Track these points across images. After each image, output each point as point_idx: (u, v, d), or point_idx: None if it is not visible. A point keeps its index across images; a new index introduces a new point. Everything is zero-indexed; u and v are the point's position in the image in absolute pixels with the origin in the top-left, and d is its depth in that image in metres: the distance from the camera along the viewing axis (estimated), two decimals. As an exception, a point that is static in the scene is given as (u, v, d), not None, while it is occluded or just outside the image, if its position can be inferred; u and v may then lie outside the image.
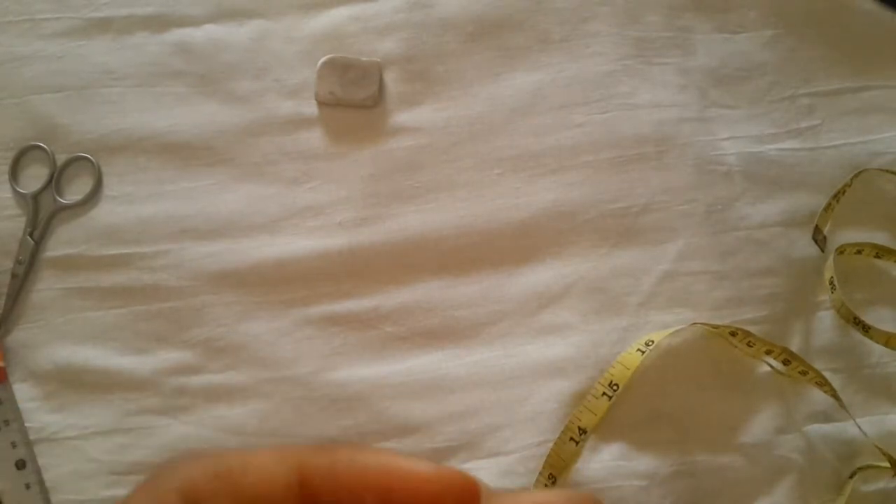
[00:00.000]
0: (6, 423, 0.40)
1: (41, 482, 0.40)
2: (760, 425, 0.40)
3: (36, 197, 0.43)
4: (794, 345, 0.42)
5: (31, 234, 0.42)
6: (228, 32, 0.44)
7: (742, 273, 0.42)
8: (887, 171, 0.44)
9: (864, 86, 0.45)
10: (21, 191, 0.43)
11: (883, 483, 0.40)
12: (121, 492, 0.40)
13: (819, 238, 0.43)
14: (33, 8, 0.44)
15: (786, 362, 0.40)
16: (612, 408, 0.39)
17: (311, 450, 0.15)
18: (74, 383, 0.41)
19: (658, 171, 0.43)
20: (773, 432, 0.40)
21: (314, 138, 0.43)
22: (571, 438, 0.39)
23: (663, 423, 0.40)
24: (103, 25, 0.44)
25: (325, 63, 0.44)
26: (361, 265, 0.42)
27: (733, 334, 0.40)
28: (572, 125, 0.43)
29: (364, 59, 0.44)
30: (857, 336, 0.41)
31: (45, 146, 0.43)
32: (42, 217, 0.42)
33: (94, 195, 0.43)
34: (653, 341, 0.40)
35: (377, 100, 0.44)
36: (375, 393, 0.41)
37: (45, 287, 0.42)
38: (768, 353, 0.41)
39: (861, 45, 0.46)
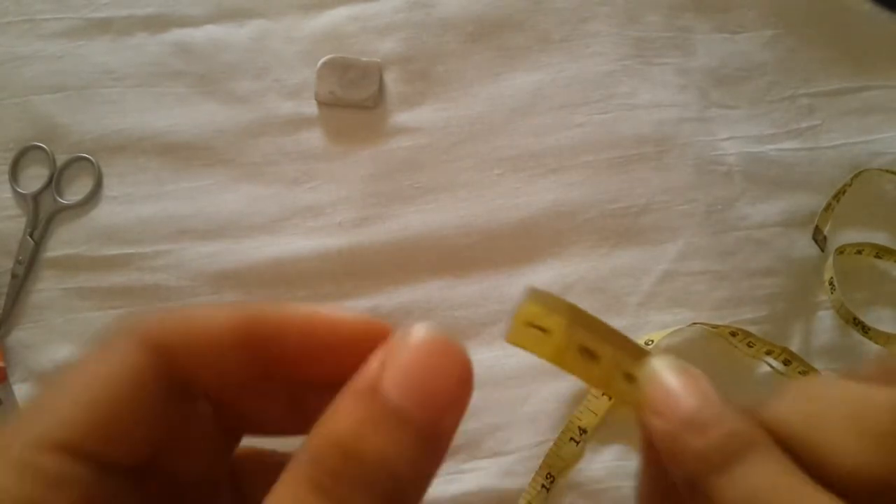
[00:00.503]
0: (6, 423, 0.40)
1: (41, 482, 0.40)
2: (760, 425, 0.40)
3: (36, 197, 0.43)
4: (794, 345, 0.42)
5: (31, 235, 0.42)
6: (228, 33, 0.44)
7: (742, 273, 0.42)
8: (887, 171, 0.44)
9: (864, 86, 0.45)
10: (21, 191, 0.43)
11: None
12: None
13: (819, 238, 0.43)
14: (33, 8, 0.45)
15: (786, 362, 0.40)
16: (613, 408, 0.39)
17: (252, 303, 0.17)
18: (74, 383, 0.41)
19: (658, 171, 0.43)
20: (773, 432, 0.40)
21: (314, 138, 0.43)
22: (572, 438, 0.39)
23: (663, 423, 0.40)
24: (103, 26, 0.44)
25: (325, 63, 0.44)
26: (361, 265, 0.42)
27: (733, 334, 0.40)
28: (572, 125, 0.43)
29: (364, 59, 0.44)
30: (857, 336, 0.41)
31: (45, 146, 0.43)
32: (42, 217, 0.42)
33: (94, 195, 0.43)
34: (652, 341, 0.40)
35: (377, 100, 0.44)
36: (375, 393, 0.41)
37: (46, 287, 0.42)
38: (768, 353, 0.41)
39: (861, 45, 0.46)
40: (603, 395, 0.39)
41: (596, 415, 0.39)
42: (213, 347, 0.16)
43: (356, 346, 0.16)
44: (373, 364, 0.15)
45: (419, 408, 0.15)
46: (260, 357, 0.17)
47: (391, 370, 0.15)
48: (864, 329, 0.41)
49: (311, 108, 0.44)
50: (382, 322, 0.17)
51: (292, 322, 0.17)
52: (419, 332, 0.15)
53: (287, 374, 0.17)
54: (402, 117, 0.44)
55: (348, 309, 0.17)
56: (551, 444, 0.39)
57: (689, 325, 0.41)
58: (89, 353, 0.16)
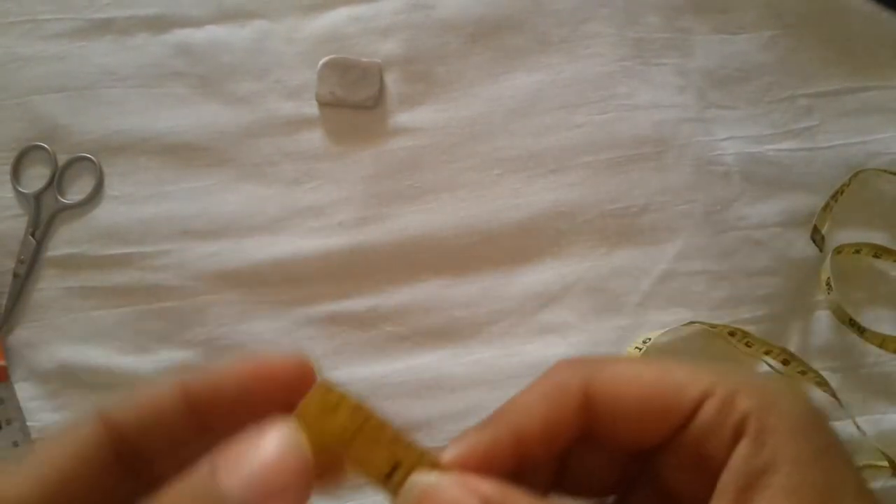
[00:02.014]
0: (8, 422, 0.40)
1: (43, 481, 0.40)
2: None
3: (38, 197, 0.43)
4: (793, 344, 0.42)
5: (32, 234, 0.42)
6: (229, 33, 0.44)
7: (740, 273, 0.42)
8: (885, 171, 0.44)
9: (862, 86, 0.45)
10: (23, 191, 0.43)
11: (881, 482, 0.40)
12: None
13: (817, 238, 0.43)
14: (35, 9, 0.45)
15: (785, 362, 0.41)
16: None
17: (191, 370, 0.20)
18: (76, 382, 0.41)
19: (657, 172, 0.43)
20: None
21: (315, 139, 0.44)
22: None
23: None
24: (105, 26, 0.44)
25: (325, 64, 0.44)
26: (361, 265, 0.42)
27: (732, 334, 0.41)
28: (572, 125, 0.44)
29: (364, 59, 0.44)
30: (855, 336, 0.42)
31: (46, 146, 0.43)
32: (44, 217, 0.43)
33: (95, 195, 0.43)
34: (649, 339, 0.40)
35: (377, 100, 0.44)
36: (375, 392, 0.41)
37: (47, 286, 0.42)
38: (767, 353, 0.41)
39: (860, 45, 0.46)
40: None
41: None
42: (156, 417, 0.19)
43: (283, 387, 0.19)
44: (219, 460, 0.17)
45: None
46: (201, 418, 0.19)
47: (235, 468, 0.17)
48: (860, 330, 0.41)
49: (311, 109, 0.44)
50: (304, 360, 0.19)
51: (224, 379, 0.19)
52: (269, 444, 0.17)
53: (226, 425, 0.18)
54: (402, 118, 0.44)
55: (272, 352, 0.19)
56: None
57: (688, 325, 0.41)
58: (47, 435, 0.18)
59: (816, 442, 0.19)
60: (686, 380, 0.20)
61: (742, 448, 0.18)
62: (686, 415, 0.19)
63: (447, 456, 0.20)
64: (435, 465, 0.19)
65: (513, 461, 0.20)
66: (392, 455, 0.19)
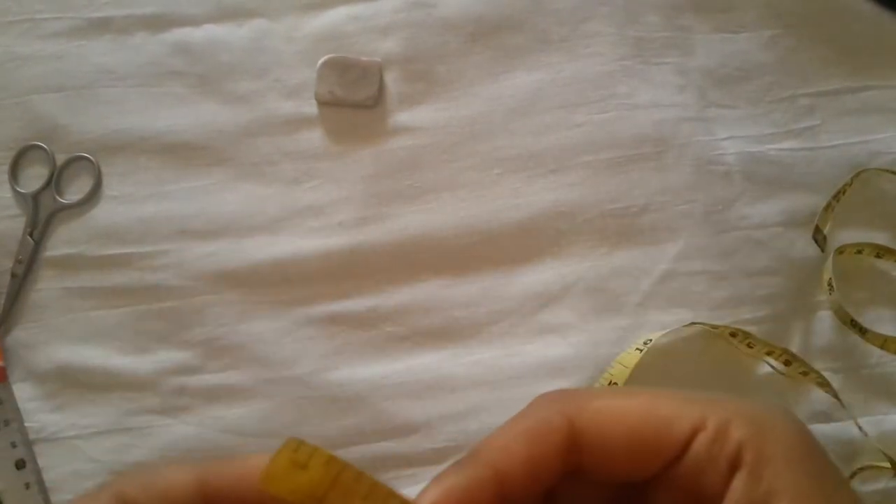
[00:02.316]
0: (6, 422, 0.40)
1: (41, 482, 0.40)
2: (760, 425, 0.40)
3: (36, 197, 0.43)
4: (794, 345, 0.42)
5: (31, 234, 0.42)
6: (228, 32, 0.44)
7: (741, 273, 0.42)
8: (887, 170, 0.44)
9: (863, 86, 0.45)
10: (21, 190, 0.43)
11: (883, 483, 0.40)
12: (121, 492, 0.40)
13: (819, 238, 0.43)
14: (33, 8, 0.44)
15: (787, 363, 0.41)
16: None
17: (218, 461, 0.20)
18: (74, 383, 0.41)
19: (657, 172, 0.43)
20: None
21: (314, 138, 0.43)
22: None
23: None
24: (103, 25, 0.44)
25: (325, 63, 0.44)
26: (361, 265, 0.42)
27: (733, 335, 0.41)
28: (572, 125, 0.44)
29: (364, 58, 0.44)
30: (857, 336, 0.41)
31: (44, 146, 0.43)
32: (42, 217, 0.42)
33: (93, 195, 0.43)
34: (650, 340, 0.40)
35: (377, 100, 0.44)
36: (375, 393, 0.41)
37: (45, 287, 0.42)
38: (769, 353, 0.41)
39: (861, 45, 0.46)
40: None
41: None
42: None
43: None
44: None
45: None
46: None
47: None
48: (862, 331, 0.41)
49: (311, 108, 0.44)
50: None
51: (243, 476, 0.19)
52: None
53: None
54: (402, 117, 0.44)
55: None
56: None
57: (689, 326, 0.41)
58: None
59: (813, 468, 0.18)
60: (675, 412, 0.19)
61: (739, 480, 0.18)
62: (678, 449, 0.19)
63: (426, 499, 0.19)
64: None
65: (495, 502, 0.19)
66: None
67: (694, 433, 0.19)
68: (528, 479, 0.19)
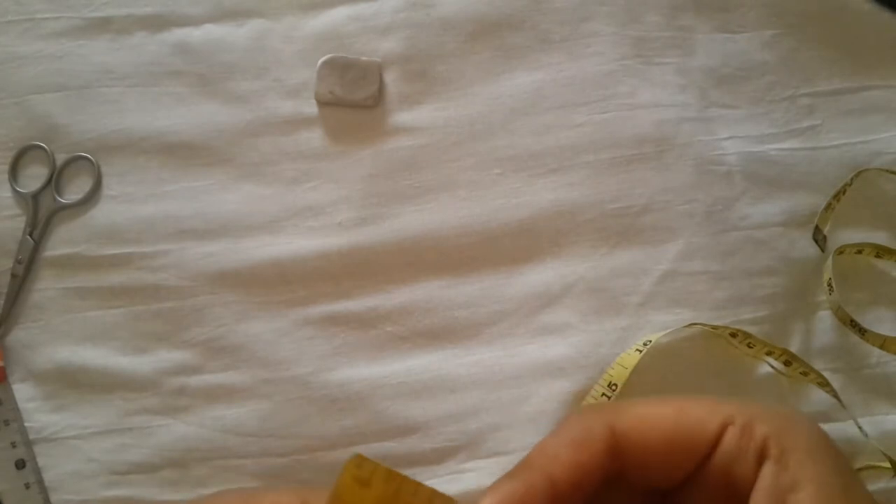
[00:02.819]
0: (6, 423, 0.40)
1: (41, 482, 0.40)
2: (760, 425, 0.40)
3: (35, 196, 0.43)
4: (794, 345, 0.42)
5: (30, 234, 0.42)
6: (228, 32, 0.44)
7: (742, 273, 0.42)
8: (887, 170, 0.44)
9: (864, 86, 0.45)
10: (21, 190, 0.43)
11: (883, 483, 0.40)
12: (120, 492, 0.40)
13: (819, 238, 0.43)
14: (33, 8, 0.44)
15: (787, 363, 0.40)
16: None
17: (314, 488, 0.21)
18: (74, 383, 0.41)
19: (658, 171, 0.43)
20: (773, 432, 0.40)
21: (314, 138, 0.43)
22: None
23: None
24: (103, 25, 0.44)
25: (324, 63, 0.44)
26: (361, 265, 0.42)
27: (733, 335, 0.40)
28: (572, 125, 0.43)
29: (364, 58, 0.44)
30: (857, 337, 0.41)
31: (44, 146, 0.43)
32: (42, 217, 0.42)
33: (93, 195, 0.43)
34: (650, 341, 0.40)
35: (377, 99, 0.44)
36: (375, 393, 0.41)
37: (45, 287, 0.42)
38: (769, 354, 0.41)
39: (861, 45, 0.45)
40: (602, 395, 0.39)
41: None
42: None
43: None
44: None
45: None
46: None
47: None
48: (861, 331, 0.41)
49: (310, 108, 0.44)
50: None
51: None
52: None
53: None
54: (402, 117, 0.44)
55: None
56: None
57: (689, 326, 0.41)
58: None
59: (832, 461, 0.20)
60: (705, 414, 0.21)
61: (767, 469, 0.20)
62: (709, 446, 0.21)
63: None
64: None
65: None
66: None
67: (723, 430, 0.20)
68: (575, 484, 0.21)
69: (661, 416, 0.21)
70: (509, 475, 0.21)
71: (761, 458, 0.20)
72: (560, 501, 0.21)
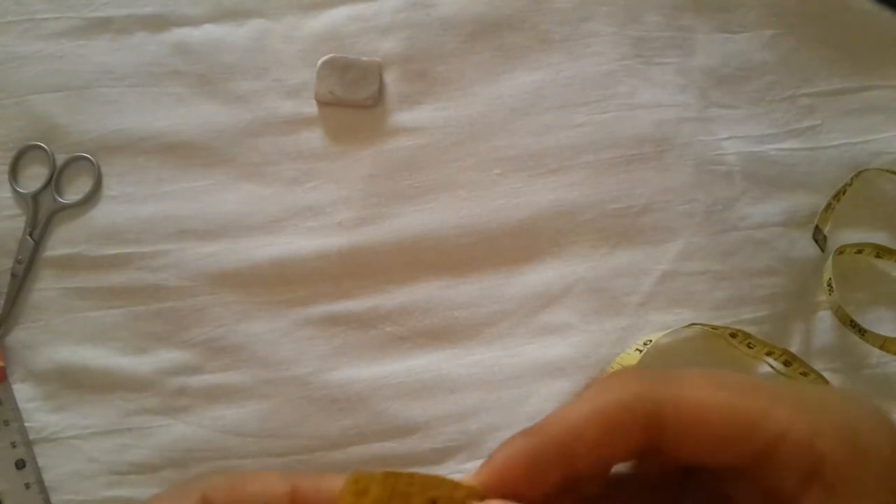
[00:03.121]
0: (6, 423, 0.40)
1: (41, 482, 0.40)
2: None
3: (36, 197, 0.43)
4: (794, 345, 0.42)
5: (30, 234, 0.42)
6: (228, 32, 0.44)
7: (742, 273, 0.42)
8: (887, 170, 0.44)
9: (864, 86, 0.45)
10: (21, 190, 0.43)
11: (883, 483, 0.40)
12: (120, 492, 0.40)
13: (819, 238, 0.43)
14: (33, 8, 0.44)
15: (786, 363, 0.40)
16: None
17: (305, 472, 0.20)
18: (74, 383, 0.41)
19: (658, 171, 0.43)
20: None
21: (314, 138, 0.43)
22: None
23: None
24: (103, 25, 0.44)
25: (324, 63, 0.44)
26: (361, 265, 0.42)
27: (733, 335, 0.40)
28: (572, 125, 0.43)
29: (364, 58, 0.44)
30: (857, 337, 0.41)
31: (44, 146, 0.43)
32: (42, 217, 0.42)
33: (93, 195, 0.43)
34: (650, 341, 0.40)
35: (377, 100, 0.44)
36: (375, 393, 0.41)
37: (45, 287, 0.42)
38: (769, 354, 0.41)
39: (861, 45, 0.45)
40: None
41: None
42: None
43: None
44: None
45: None
46: None
47: None
48: (861, 332, 0.41)
49: (310, 108, 0.44)
50: None
51: (333, 493, 0.19)
52: None
53: None
54: (402, 117, 0.44)
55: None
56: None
57: (689, 326, 0.41)
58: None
59: (891, 495, 0.18)
60: (761, 416, 0.19)
61: (813, 495, 0.18)
62: (758, 455, 0.19)
63: (489, 467, 0.19)
64: (471, 493, 0.19)
65: (558, 475, 0.19)
66: (428, 498, 0.19)
67: (777, 441, 0.18)
68: (597, 463, 0.19)
69: (711, 409, 0.19)
70: (521, 435, 0.19)
71: (811, 478, 0.18)
72: (577, 474, 0.19)
